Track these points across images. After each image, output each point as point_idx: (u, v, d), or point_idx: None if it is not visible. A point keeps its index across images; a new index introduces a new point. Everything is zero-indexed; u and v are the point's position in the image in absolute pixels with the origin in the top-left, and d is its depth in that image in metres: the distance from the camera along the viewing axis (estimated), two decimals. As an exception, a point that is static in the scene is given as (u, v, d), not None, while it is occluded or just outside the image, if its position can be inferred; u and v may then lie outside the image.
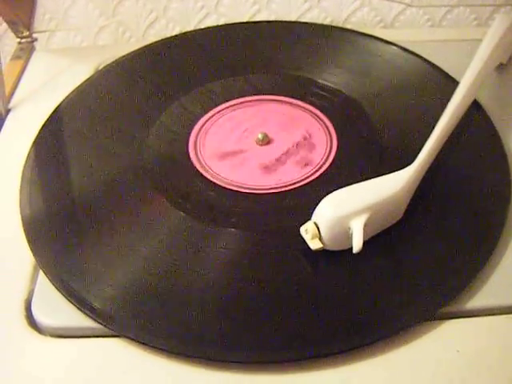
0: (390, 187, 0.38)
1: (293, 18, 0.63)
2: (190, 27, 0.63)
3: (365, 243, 0.37)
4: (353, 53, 0.54)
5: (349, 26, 0.62)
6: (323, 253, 0.38)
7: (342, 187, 0.39)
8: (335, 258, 0.38)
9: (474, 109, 0.47)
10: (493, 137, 0.46)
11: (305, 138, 0.47)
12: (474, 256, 0.39)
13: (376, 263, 0.38)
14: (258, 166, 0.45)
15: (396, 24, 0.63)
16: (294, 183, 0.43)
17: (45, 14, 0.61)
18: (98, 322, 0.36)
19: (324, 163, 0.45)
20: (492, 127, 0.47)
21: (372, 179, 0.39)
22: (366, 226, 0.37)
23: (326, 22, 0.63)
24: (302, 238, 0.38)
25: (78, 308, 0.37)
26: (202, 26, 0.62)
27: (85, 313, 0.37)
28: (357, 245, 0.36)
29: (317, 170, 0.44)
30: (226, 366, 0.35)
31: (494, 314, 0.37)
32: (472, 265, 0.38)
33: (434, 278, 0.38)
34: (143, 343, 0.36)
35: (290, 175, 0.44)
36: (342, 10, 0.63)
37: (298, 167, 0.45)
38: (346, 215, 0.37)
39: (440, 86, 0.50)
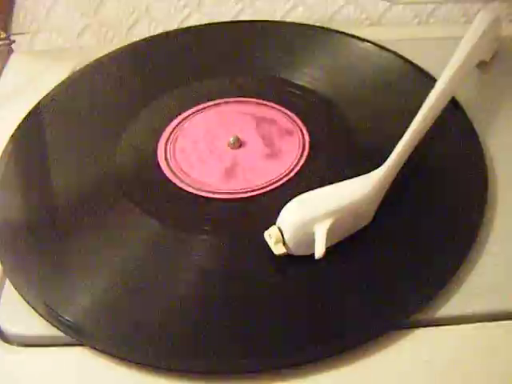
0: (357, 191, 0.38)
1: (277, 16, 0.62)
2: (173, 27, 0.62)
3: (329, 249, 0.36)
4: (331, 52, 0.53)
5: (334, 24, 0.61)
6: (293, 259, 0.38)
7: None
8: (304, 264, 0.38)
9: (452, 107, 0.46)
10: (470, 136, 0.45)
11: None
12: (445, 263, 0.38)
13: (343, 270, 0.38)
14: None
15: (382, 21, 0.62)
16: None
17: (26, 16, 0.61)
18: (65, 332, 0.36)
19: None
20: (470, 126, 0.46)
21: (340, 182, 0.39)
22: (331, 230, 0.36)
23: (311, 20, 0.62)
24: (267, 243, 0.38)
25: (44, 317, 0.37)
26: (185, 25, 0.61)
27: (51, 322, 0.36)
28: (319, 251, 0.35)
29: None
30: (199, 377, 0.34)
31: (465, 323, 0.36)
32: (443, 272, 0.37)
33: (404, 285, 0.37)
34: (111, 354, 0.35)
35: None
36: (327, 7, 0.62)
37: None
38: (309, 220, 0.36)
39: (418, 85, 0.49)
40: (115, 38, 0.62)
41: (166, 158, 0.45)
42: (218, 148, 0.46)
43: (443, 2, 0.61)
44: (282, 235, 0.37)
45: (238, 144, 0.45)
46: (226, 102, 0.50)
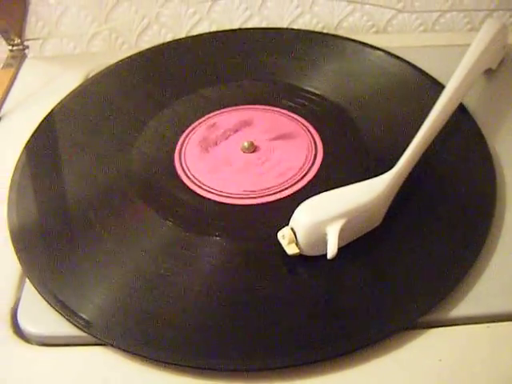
0: (368, 193, 0.38)
1: (285, 23, 0.63)
2: (183, 33, 0.63)
3: (341, 249, 0.37)
4: (340, 59, 0.54)
5: (341, 32, 0.62)
6: (305, 260, 0.38)
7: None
8: (315, 265, 0.38)
9: (460, 113, 0.47)
10: (478, 141, 0.46)
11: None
12: (456, 264, 0.38)
13: (355, 270, 0.38)
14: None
15: (388, 29, 0.63)
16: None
17: (37, 22, 0.61)
18: (83, 331, 0.36)
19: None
20: (478, 131, 0.46)
21: (351, 185, 0.39)
22: (342, 231, 0.37)
23: (318, 27, 0.63)
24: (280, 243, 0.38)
25: (64, 316, 0.37)
26: (195, 32, 0.62)
27: (70, 321, 0.37)
28: (331, 251, 0.36)
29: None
30: (211, 374, 0.35)
31: (476, 323, 0.36)
32: (454, 273, 0.38)
33: (415, 285, 0.38)
34: (128, 352, 0.36)
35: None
36: (333, 15, 0.63)
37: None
38: (322, 221, 0.37)
39: (427, 91, 0.49)
40: (125, 45, 0.63)
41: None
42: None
43: (448, 10, 0.62)
44: (295, 235, 0.38)
45: (252, 149, 0.46)
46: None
